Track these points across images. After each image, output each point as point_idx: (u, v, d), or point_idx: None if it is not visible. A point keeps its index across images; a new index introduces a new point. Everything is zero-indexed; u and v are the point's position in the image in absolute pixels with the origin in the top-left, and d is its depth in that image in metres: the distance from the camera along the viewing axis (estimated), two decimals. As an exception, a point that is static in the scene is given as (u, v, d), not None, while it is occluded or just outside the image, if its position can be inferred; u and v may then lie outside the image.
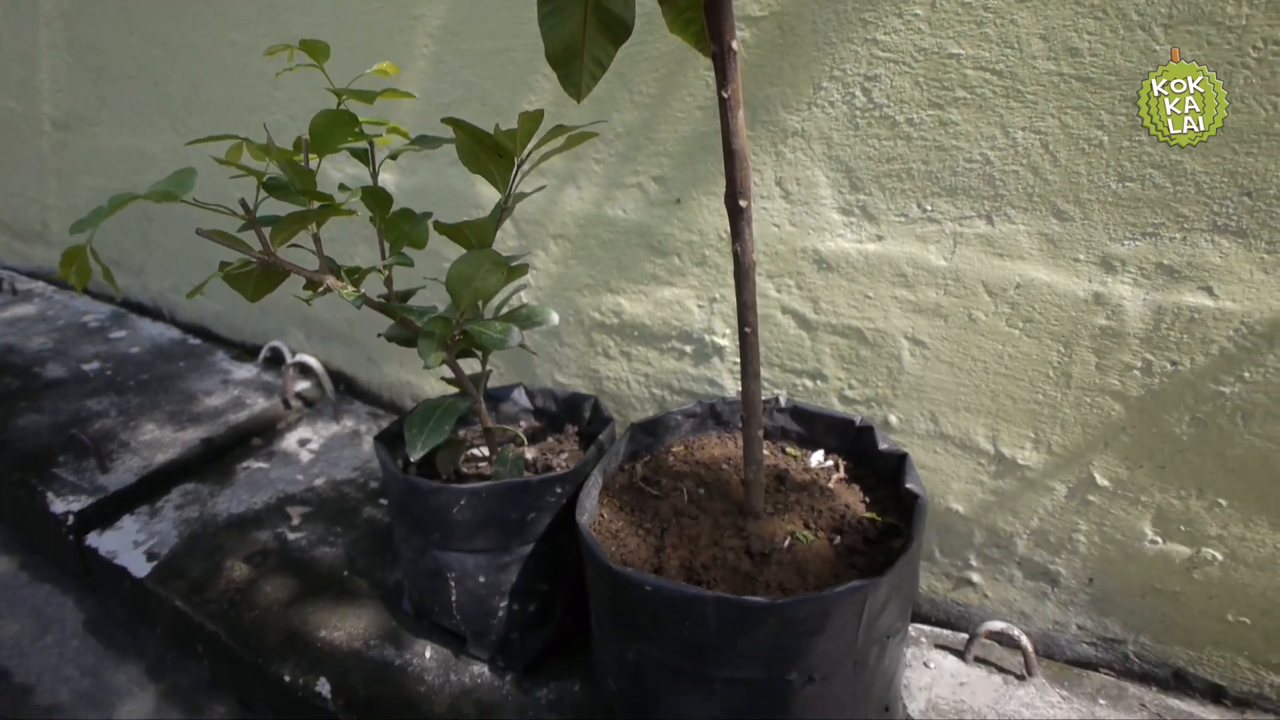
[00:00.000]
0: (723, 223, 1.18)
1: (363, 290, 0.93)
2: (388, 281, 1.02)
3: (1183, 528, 1.07)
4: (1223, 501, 1.03)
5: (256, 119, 1.70)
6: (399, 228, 1.02)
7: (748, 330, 0.88)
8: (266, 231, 0.88)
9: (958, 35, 0.95)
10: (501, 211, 0.92)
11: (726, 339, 1.26)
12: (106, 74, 2.03)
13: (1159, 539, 1.09)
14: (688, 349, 1.31)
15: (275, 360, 2.02)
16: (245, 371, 2.04)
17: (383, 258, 1.01)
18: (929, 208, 1.04)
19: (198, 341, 2.23)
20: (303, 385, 1.94)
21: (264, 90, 1.65)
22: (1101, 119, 0.92)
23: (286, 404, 1.88)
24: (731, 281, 0.86)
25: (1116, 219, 0.95)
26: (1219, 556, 1.06)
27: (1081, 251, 0.98)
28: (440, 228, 0.89)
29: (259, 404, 1.87)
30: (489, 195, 1.42)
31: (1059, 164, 0.96)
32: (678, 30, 0.91)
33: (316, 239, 0.96)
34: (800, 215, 1.12)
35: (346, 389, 1.98)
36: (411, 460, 0.97)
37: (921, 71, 0.98)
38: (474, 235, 0.92)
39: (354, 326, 1.86)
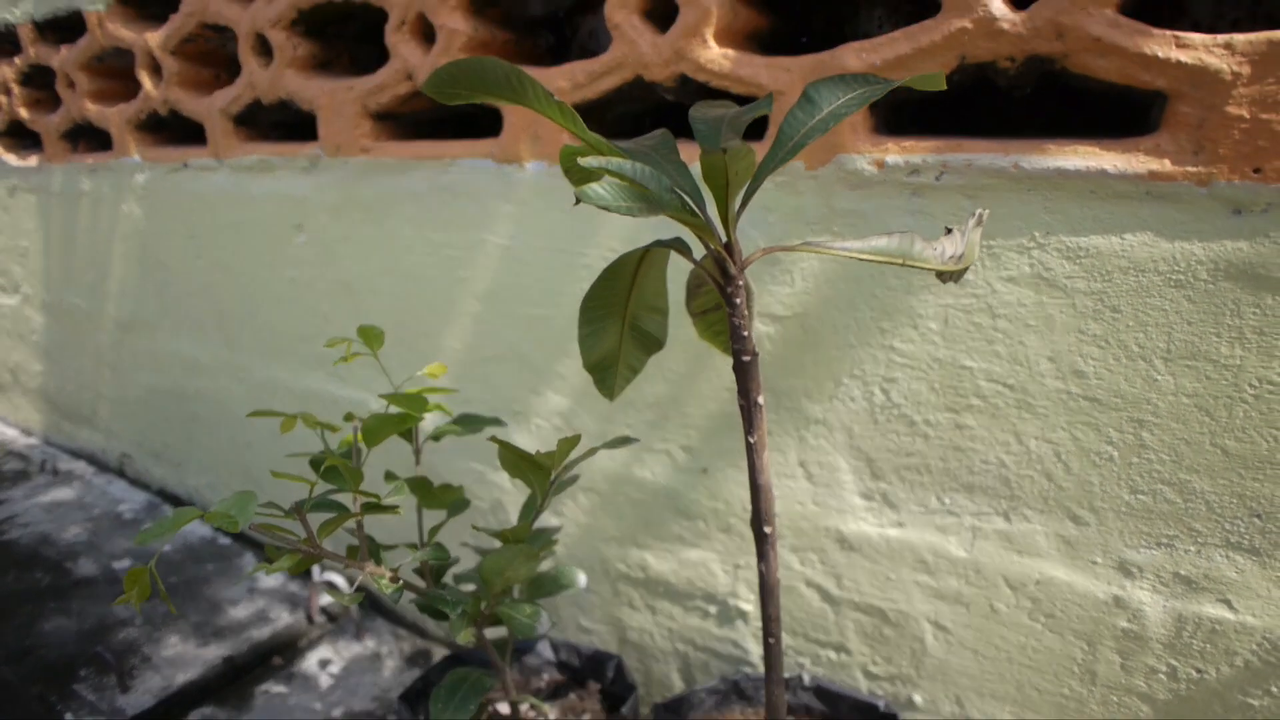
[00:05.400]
0: (747, 495, 1.22)
1: (401, 582, 0.97)
2: (424, 567, 1.06)
3: (1224, 836, 1.03)
4: (1264, 815, 1.00)
5: (307, 347, 1.80)
6: (439, 499, 1.08)
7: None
8: (315, 525, 0.94)
9: (970, 350, 1.02)
10: (535, 513, 0.96)
11: (750, 604, 1.27)
12: (171, 288, 2.17)
13: (1200, 846, 1.05)
14: (712, 610, 1.32)
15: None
16: (271, 580, 2.06)
17: (420, 536, 1.05)
18: (947, 501, 1.08)
19: (228, 541, 2.26)
20: (326, 600, 1.95)
21: (315, 323, 1.76)
22: (1110, 435, 0.97)
23: (310, 619, 1.89)
24: (754, 550, 0.88)
25: (1131, 527, 0.98)
26: None
27: (1098, 555, 1.01)
28: (480, 537, 0.93)
29: (283, 619, 1.88)
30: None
31: (1072, 472, 1.00)
32: (707, 338, 0.99)
33: (359, 524, 1.01)
34: (823, 496, 1.16)
35: (370, 605, 1.99)
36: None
37: (937, 378, 1.04)
38: (510, 534, 0.96)
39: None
